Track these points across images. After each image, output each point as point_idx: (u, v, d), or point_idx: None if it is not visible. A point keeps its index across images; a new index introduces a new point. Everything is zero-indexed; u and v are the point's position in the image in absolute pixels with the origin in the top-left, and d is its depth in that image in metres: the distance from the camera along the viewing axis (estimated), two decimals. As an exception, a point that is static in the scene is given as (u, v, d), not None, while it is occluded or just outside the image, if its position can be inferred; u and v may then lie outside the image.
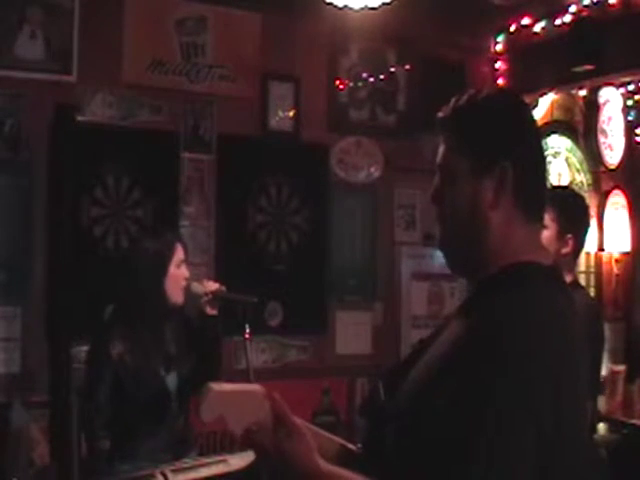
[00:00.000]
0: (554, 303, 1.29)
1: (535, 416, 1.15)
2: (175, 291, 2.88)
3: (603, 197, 5.83)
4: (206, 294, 2.89)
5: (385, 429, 1.32)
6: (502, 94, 1.52)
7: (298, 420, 1.29)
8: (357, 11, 3.53)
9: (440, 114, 1.40)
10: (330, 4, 3.45)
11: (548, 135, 5.63)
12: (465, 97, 1.38)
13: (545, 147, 5.61)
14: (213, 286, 2.91)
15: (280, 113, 4.64)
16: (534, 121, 1.44)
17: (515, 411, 1.14)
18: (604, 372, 4.77)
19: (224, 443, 4.09)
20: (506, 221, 1.33)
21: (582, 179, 5.86)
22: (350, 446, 1.47)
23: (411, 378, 1.32)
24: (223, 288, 2.93)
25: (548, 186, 1.46)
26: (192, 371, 2.88)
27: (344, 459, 1.40)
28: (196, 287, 2.90)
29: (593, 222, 5.40)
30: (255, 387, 1.30)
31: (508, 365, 1.16)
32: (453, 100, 1.39)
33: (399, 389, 1.33)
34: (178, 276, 2.89)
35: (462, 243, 1.37)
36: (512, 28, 5.00)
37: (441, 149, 1.38)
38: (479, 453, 1.12)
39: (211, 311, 2.90)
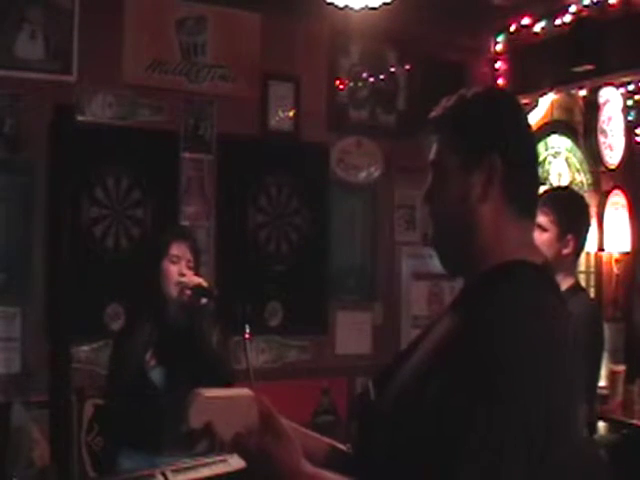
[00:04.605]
0: (545, 303, 1.29)
1: (526, 416, 1.15)
2: (168, 286, 2.93)
3: (603, 197, 5.83)
4: (188, 287, 2.92)
5: (375, 429, 1.32)
6: (492, 91, 1.53)
7: (285, 422, 1.29)
8: (357, 11, 3.53)
9: (432, 114, 1.42)
10: (331, 4, 3.45)
11: (548, 135, 5.64)
12: (455, 96, 1.40)
13: (545, 147, 5.63)
14: (194, 280, 2.94)
15: (280, 113, 4.64)
16: (525, 118, 1.45)
17: (506, 411, 1.14)
18: (604, 372, 4.77)
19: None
20: (496, 215, 1.33)
21: (582, 179, 5.87)
22: (340, 446, 1.47)
23: (400, 377, 1.32)
24: (204, 283, 2.95)
25: (540, 183, 1.47)
26: (187, 367, 2.88)
27: (334, 460, 1.40)
28: (182, 281, 2.94)
29: (593, 222, 5.40)
30: (244, 391, 1.29)
31: (498, 365, 1.16)
32: (444, 100, 1.41)
33: (388, 388, 1.33)
34: (171, 271, 2.93)
35: (453, 240, 1.37)
36: (512, 28, 5.00)
37: (433, 148, 1.40)
38: (471, 452, 1.12)
39: (193, 305, 2.92)
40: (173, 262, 2.94)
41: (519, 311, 1.23)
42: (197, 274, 3.01)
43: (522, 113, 1.45)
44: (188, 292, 2.91)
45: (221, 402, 1.26)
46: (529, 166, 1.39)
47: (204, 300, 2.92)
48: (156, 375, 2.88)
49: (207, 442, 1.24)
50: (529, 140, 1.41)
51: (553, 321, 1.28)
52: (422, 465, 1.16)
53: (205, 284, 2.95)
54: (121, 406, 2.88)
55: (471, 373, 1.16)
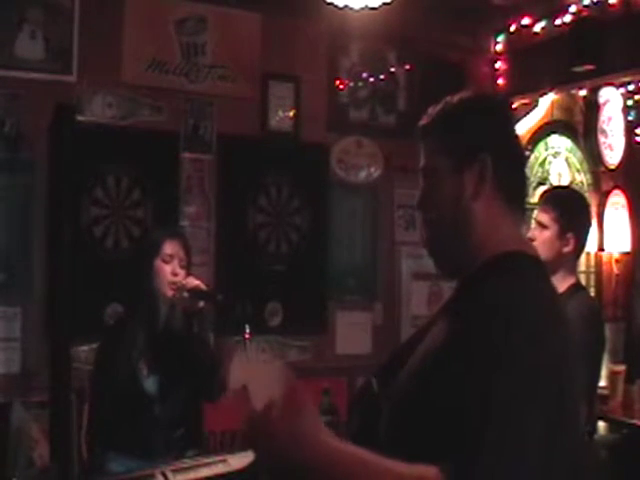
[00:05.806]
0: (544, 290, 1.34)
1: (541, 403, 1.17)
2: (161, 285, 2.88)
3: (603, 197, 5.82)
4: (186, 289, 2.88)
5: (379, 422, 1.33)
6: (477, 93, 1.59)
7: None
8: (357, 11, 3.53)
9: (420, 122, 1.47)
10: (330, 4, 3.45)
11: (548, 135, 5.63)
12: (441, 103, 1.46)
13: (545, 147, 5.63)
14: (192, 282, 2.90)
15: (280, 113, 4.64)
16: (511, 118, 1.54)
17: (522, 399, 1.16)
18: (604, 372, 4.77)
19: (224, 443, 4.10)
20: (489, 211, 1.38)
21: (582, 179, 5.86)
22: None
23: (406, 371, 1.34)
24: (202, 286, 2.91)
25: (528, 180, 1.55)
26: (179, 374, 2.86)
27: None
28: (177, 282, 2.90)
29: (593, 222, 5.40)
30: (276, 360, 1.32)
31: (509, 354, 1.18)
32: (431, 108, 1.47)
33: (393, 382, 1.34)
34: (164, 270, 2.89)
35: (450, 240, 1.41)
36: (512, 28, 5.00)
37: (423, 155, 1.45)
38: (488, 444, 1.13)
39: (190, 308, 2.88)
40: (165, 261, 2.90)
41: (524, 298, 1.27)
42: (191, 274, 2.97)
43: (507, 112, 1.55)
44: (186, 295, 2.87)
45: (259, 366, 1.28)
46: (517, 163, 1.46)
47: (201, 303, 2.89)
48: (150, 385, 2.83)
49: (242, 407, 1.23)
50: (516, 140, 1.48)
51: (553, 308, 1.32)
52: (437, 458, 1.16)
53: (204, 287, 2.91)
54: (112, 415, 2.81)
55: (481, 364, 1.18)
